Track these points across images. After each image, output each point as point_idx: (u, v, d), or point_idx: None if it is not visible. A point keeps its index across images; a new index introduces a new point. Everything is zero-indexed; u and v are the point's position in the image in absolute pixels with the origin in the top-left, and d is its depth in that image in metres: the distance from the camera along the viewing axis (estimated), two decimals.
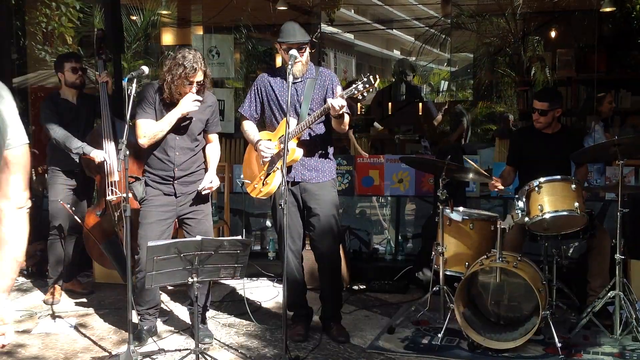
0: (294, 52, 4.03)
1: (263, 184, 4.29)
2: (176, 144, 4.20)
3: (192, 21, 8.63)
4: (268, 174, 4.26)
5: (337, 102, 3.94)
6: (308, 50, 4.22)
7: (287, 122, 3.93)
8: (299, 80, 4.21)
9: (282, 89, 4.26)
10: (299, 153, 4.18)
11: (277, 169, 4.18)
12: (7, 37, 6.95)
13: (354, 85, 3.96)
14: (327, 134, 4.35)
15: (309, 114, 4.17)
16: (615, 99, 7.31)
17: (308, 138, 4.26)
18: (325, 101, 4.17)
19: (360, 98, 4.08)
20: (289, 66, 3.96)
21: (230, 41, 7.55)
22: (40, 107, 5.24)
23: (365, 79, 3.91)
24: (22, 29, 7.59)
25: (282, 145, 4.00)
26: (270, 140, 4.28)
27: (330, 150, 4.39)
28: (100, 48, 5.27)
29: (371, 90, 3.99)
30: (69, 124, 5.09)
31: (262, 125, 4.54)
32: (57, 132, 4.98)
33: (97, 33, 5.41)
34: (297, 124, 4.15)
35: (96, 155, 4.88)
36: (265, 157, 4.23)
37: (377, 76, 3.89)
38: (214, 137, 4.41)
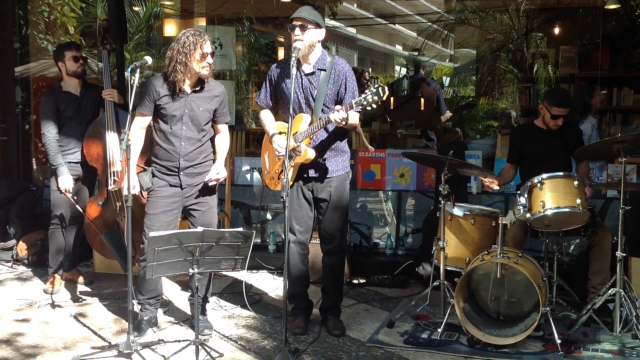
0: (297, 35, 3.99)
1: (278, 178, 4.29)
2: (182, 134, 4.18)
3: (194, 12, 8.61)
4: (282, 171, 4.25)
5: (338, 116, 3.88)
6: (315, 33, 4.05)
7: (291, 118, 3.89)
8: (312, 72, 4.14)
9: (295, 81, 4.10)
10: (311, 154, 4.14)
11: (291, 166, 4.12)
12: (10, 26, 6.94)
13: (363, 96, 3.81)
14: (341, 127, 4.28)
15: (322, 110, 4.14)
16: (617, 97, 7.30)
17: (322, 132, 4.21)
18: (338, 95, 4.16)
19: (369, 109, 3.91)
20: (293, 58, 3.94)
21: (232, 33, 7.52)
22: (40, 101, 5.21)
23: (374, 90, 3.74)
24: (25, 18, 7.55)
25: (294, 143, 3.99)
26: (285, 133, 4.25)
27: (344, 142, 4.34)
28: (104, 38, 5.24)
29: (380, 103, 3.83)
30: (73, 116, 5.08)
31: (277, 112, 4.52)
32: (48, 137, 4.98)
33: (102, 23, 5.38)
34: (309, 124, 4.11)
35: (60, 183, 4.93)
36: (278, 154, 4.20)
37: (387, 88, 3.73)
38: (223, 128, 4.37)
